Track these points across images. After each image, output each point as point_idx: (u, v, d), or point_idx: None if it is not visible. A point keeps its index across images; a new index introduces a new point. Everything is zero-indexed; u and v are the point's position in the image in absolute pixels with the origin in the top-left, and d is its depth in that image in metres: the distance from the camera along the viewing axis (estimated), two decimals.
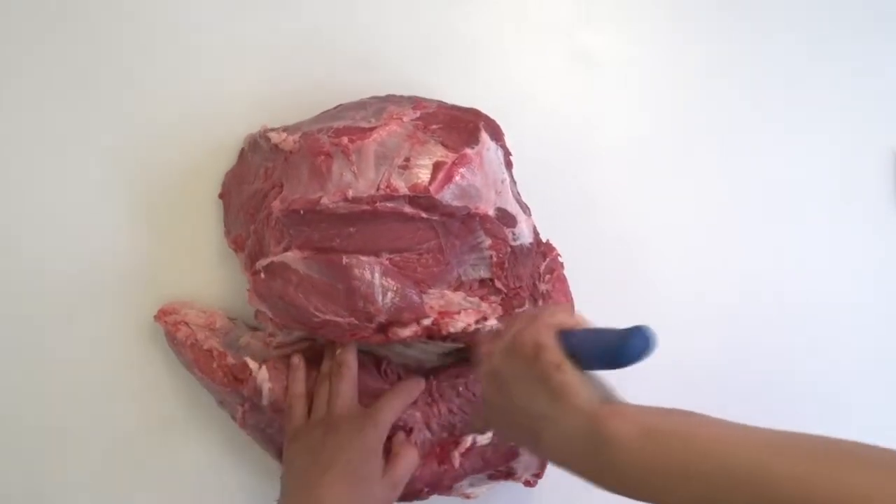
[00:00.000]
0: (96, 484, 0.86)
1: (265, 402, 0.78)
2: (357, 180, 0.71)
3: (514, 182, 0.81)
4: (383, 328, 0.74)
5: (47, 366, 0.84)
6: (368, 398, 0.78)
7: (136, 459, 0.87)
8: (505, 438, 0.82)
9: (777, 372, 1.01)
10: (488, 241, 0.75)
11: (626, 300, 0.96)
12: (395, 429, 0.78)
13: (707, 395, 0.92)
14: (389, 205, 0.71)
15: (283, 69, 0.88)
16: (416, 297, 0.73)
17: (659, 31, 0.99)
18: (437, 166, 0.71)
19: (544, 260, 0.84)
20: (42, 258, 0.84)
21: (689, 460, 0.53)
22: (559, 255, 0.87)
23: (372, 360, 0.82)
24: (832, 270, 1.04)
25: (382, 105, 0.77)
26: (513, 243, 0.77)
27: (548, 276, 0.84)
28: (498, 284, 0.77)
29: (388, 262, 0.73)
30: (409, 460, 0.77)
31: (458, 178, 0.71)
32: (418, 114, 0.75)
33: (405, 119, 0.74)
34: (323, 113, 0.81)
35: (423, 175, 0.71)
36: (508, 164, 0.80)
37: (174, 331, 0.82)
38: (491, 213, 0.74)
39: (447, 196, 0.71)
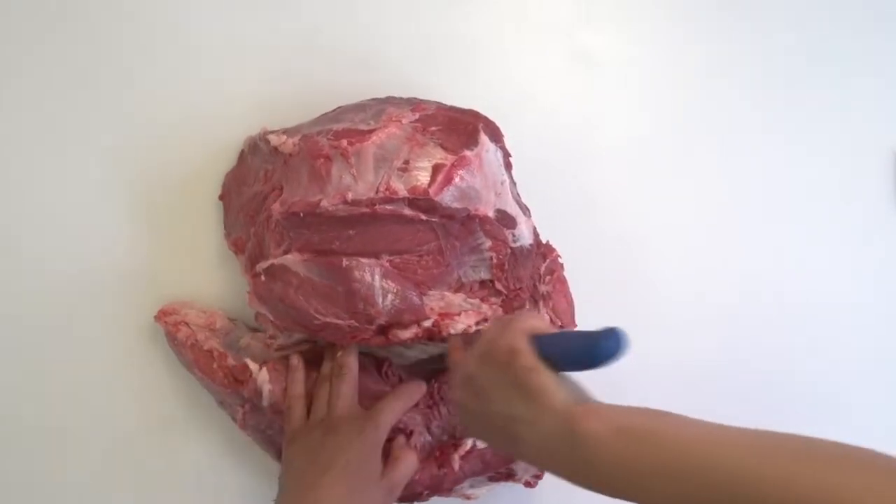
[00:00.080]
0: (96, 484, 0.86)
1: (265, 403, 0.78)
2: (356, 183, 0.71)
3: (513, 183, 0.81)
4: (384, 330, 0.74)
5: (47, 366, 0.84)
6: (369, 400, 0.78)
7: (136, 459, 0.87)
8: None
9: (777, 372, 1.01)
10: (488, 243, 0.75)
11: (626, 300, 0.96)
12: (395, 431, 0.78)
13: (707, 395, 0.93)
14: (389, 207, 0.71)
15: (282, 70, 0.88)
16: (416, 299, 0.74)
17: (659, 31, 0.99)
18: (436, 168, 0.71)
19: (544, 261, 0.84)
20: (42, 258, 0.84)
21: (662, 458, 0.54)
22: (559, 256, 0.87)
23: (373, 362, 0.82)
24: (832, 270, 1.04)
25: (381, 107, 0.77)
26: (513, 245, 0.77)
27: (548, 278, 0.84)
28: (498, 286, 0.77)
29: (388, 264, 0.73)
30: (408, 464, 0.77)
31: (457, 179, 0.71)
32: (417, 116, 0.75)
33: (404, 121, 0.74)
34: (322, 115, 0.81)
35: (423, 177, 0.71)
36: (508, 166, 0.80)
37: (174, 331, 0.82)
38: (491, 214, 0.74)
39: (447, 198, 0.71)
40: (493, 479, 0.85)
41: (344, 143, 0.72)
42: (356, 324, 0.73)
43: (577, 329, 0.79)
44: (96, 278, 0.85)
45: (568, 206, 0.94)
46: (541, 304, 0.82)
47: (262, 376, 0.78)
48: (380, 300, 0.72)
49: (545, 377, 0.62)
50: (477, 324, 0.75)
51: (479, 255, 0.76)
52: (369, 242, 0.72)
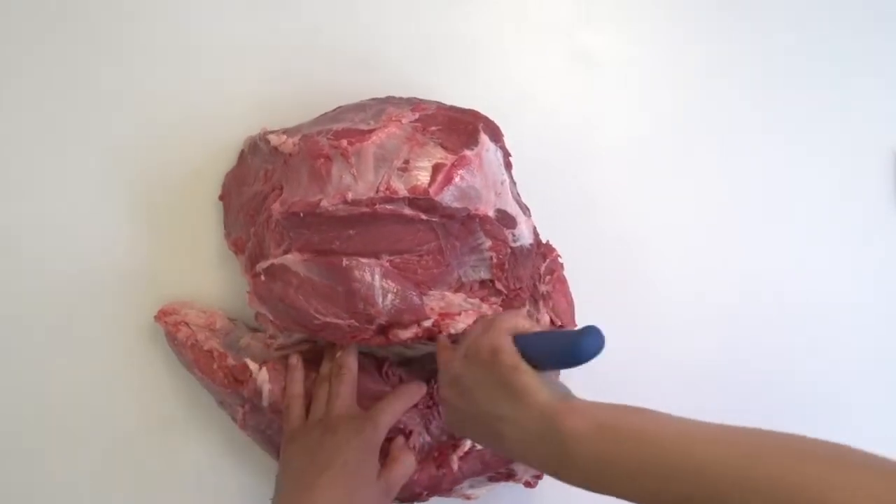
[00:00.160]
0: (96, 484, 0.86)
1: (265, 403, 0.78)
2: (356, 183, 0.71)
3: (513, 183, 0.81)
4: (384, 330, 0.74)
5: (47, 366, 0.84)
6: (369, 400, 0.78)
7: (136, 459, 0.87)
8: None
9: (777, 372, 1.01)
10: (488, 243, 0.75)
11: (626, 300, 0.96)
12: (394, 431, 0.78)
13: (707, 395, 0.93)
14: (389, 207, 0.71)
15: (282, 70, 0.88)
16: (416, 299, 0.74)
17: (659, 31, 0.99)
18: (436, 168, 0.71)
19: (544, 261, 0.84)
20: (42, 258, 0.84)
21: (642, 454, 0.55)
22: (559, 255, 0.87)
23: (373, 363, 0.82)
24: (832, 270, 1.04)
25: (381, 107, 0.77)
26: (513, 244, 0.77)
27: (548, 277, 0.84)
28: (498, 286, 0.77)
29: (388, 263, 0.73)
30: (405, 465, 0.77)
31: (457, 179, 0.71)
32: (417, 115, 0.75)
33: (404, 121, 0.74)
34: (322, 115, 0.81)
35: (423, 177, 0.71)
36: (508, 165, 0.80)
37: (174, 331, 0.82)
38: (491, 214, 0.74)
39: (447, 198, 0.71)
40: (492, 480, 0.85)
41: (344, 142, 0.72)
42: (356, 324, 0.73)
43: (559, 329, 0.79)
44: (96, 278, 0.85)
45: (568, 206, 0.94)
46: (541, 303, 0.82)
47: (262, 376, 0.78)
48: (380, 300, 0.72)
49: (527, 376, 0.63)
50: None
51: (479, 254, 0.76)
52: (369, 242, 0.72)
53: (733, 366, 0.99)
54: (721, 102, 1.00)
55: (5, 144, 0.83)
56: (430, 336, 0.75)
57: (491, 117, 0.79)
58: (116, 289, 0.85)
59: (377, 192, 0.70)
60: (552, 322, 0.82)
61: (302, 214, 0.72)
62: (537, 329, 0.67)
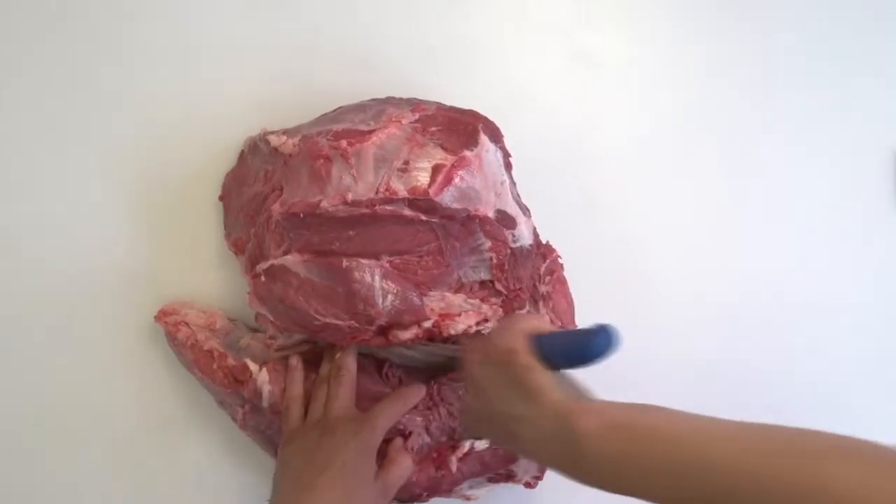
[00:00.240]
0: (96, 484, 0.86)
1: (265, 404, 0.78)
2: (356, 183, 0.71)
3: (513, 183, 0.81)
4: (384, 331, 0.74)
5: (47, 366, 0.84)
6: (368, 401, 0.78)
7: (136, 459, 0.87)
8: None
9: (777, 372, 1.01)
10: (488, 243, 0.75)
11: (626, 300, 0.96)
12: (393, 432, 0.78)
13: (707, 395, 0.93)
14: (389, 208, 0.71)
15: (282, 70, 0.88)
16: (416, 300, 0.74)
17: (659, 31, 0.99)
18: (436, 169, 0.71)
19: (544, 261, 0.84)
20: (42, 258, 0.84)
21: (656, 453, 0.55)
22: (559, 256, 0.87)
23: (373, 363, 0.82)
24: (832, 270, 1.04)
25: (381, 107, 0.77)
26: (513, 245, 0.77)
27: (548, 278, 0.84)
28: (498, 286, 0.77)
29: (388, 264, 0.73)
30: (402, 467, 0.78)
31: (457, 180, 0.71)
32: (417, 116, 0.75)
33: (404, 122, 0.74)
34: (322, 115, 0.81)
35: (423, 178, 0.71)
36: (508, 166, 0.80)
37: (175, 331, 0.82)
38: (490, 214, 0.74)
39: (447, 198, 0.71)
40: (492, 480, 0.85)
41: (344, 143, 0.72)
42: (356, 324, 0.73)
43: (573, 328, 0.79)
44: (96, 278, 0.85)
45: (568, 206, 0.94)
46: (541, 304, 0.82)
47: (262, 377, 0.78)
48: (380, 301, 0.72)
49: (542, 376, 0.63)
50: (477, 324, 0.75)
51: (479, 255, 0.76)
52: (369, 243, 0.72)
53: (733, 366, 0.99)
54: (721, 102, 1.00)
55: (5, 144, 0.83)
56: (431, 337, 0.75)
57: (491, 117, 0.79)
58: (116, 289, 0.85)
59: (377, 192, 0.70)
60: (552, 322, 0.82)
61: (302, 215, 0.72)
62: (556, 330, 0.67)
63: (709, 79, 1.00)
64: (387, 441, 0.77)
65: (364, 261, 0.72)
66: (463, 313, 0.75)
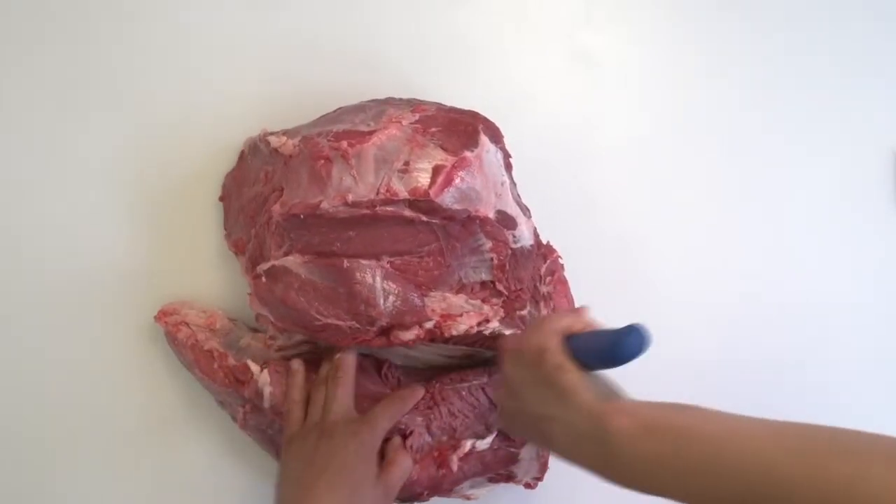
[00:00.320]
0: (96, 484, 0.86)
1: (266, 405, 0.78)
2: (357, 184, 0.71)
3: (513, 184, 0.81)
4: (385, 331, 0.74)
5: (48, 366, 0.84)
6: (368, 401, 0.78)
7: (136, 459, 0.87)
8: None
9: (777, 372, 1.01)
10: (489, 244, 0.75)
11: (626, 300, 0.96)
12: (392, 431, 0.78)
13: (707, 395, 0.92)
14: (389, 209, 0.71)
15: (282, 70, 0.88)
16: (417, 300, 0.74)
17: (659, 31, 0.99)
18: (436, 170, 0.71)
19: (545, 262, 0.84)
20: (42, 258, 0.84)
21: (690, 453, 0.55)
22: (560, 256, 0.87)
23: (373, 363, 0.82)
24: (832, 270, 1.04)
25: (381, 108, 0.77)
26: (513, 245, 0.77)
27: (549, 278, 0.84)
28: (499, 287, 0.77)
29: (389, 265, 0.73)
30: (403, 467, 0.77)
31: (457, 181, 0.71)
32: (417, 117, 0.75)
33: (404, 122, 0.74)
34: (322, 116, 0.81)
35: (423, 178, 0.71)
36: (508, 167, 0.80)
37: (175, 331, 0.82)
38: (491, 215, 0.74)
39: (447, 199, 0.71)
40: (493, 480, 0.85)
41: (344, 144, 0.72)
42: (357, 325, 0.73)
43: (606, 327, 0.78)
44: (96, 278, 0.85)
45: (568, 206, 0.94)
46: (541, 304, 0.82)
47: (264, 378, 0.78)
48: (381, 301, 0.72)
49: (573, 375, 0.62)
50: (478, 325, 0.75)
51: (479, 256, 0.76)
52: (370, 244, 0.72)
53: (733, 366, 0.99)
54: (721, 102, 1.00)
55: (5, 144, 0.83)
56: (432, 338, 0.75)
57: (491, 118, 0.79)
58: (116, 289, 0.85)
59: (377, 193, 0.70)
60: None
61: (302, 216, 0.72)
62: (590, 329, 0.67)
63: (709, 79, 1.00)
64: (385, 440, 0.77)
65: (365, 261, 0.72)
66: (464, 314, 0.75)
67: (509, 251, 0.77)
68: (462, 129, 0.75)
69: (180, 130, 0.86)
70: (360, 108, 0.79)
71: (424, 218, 0.72)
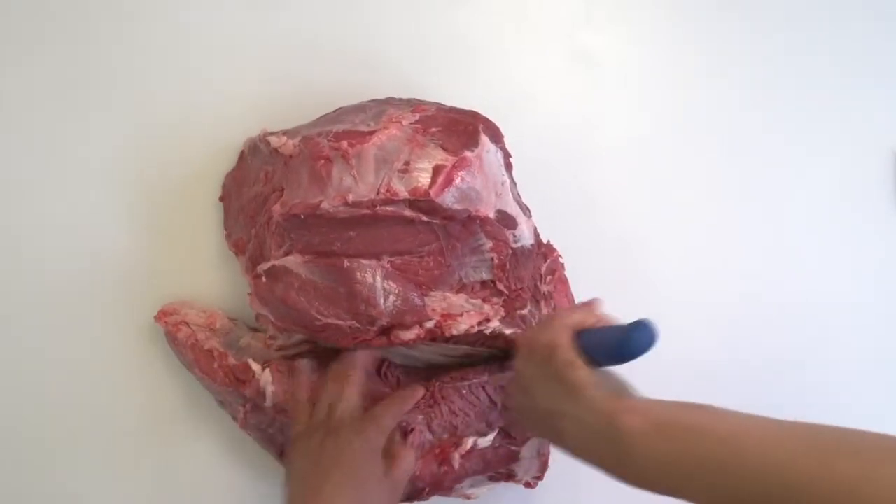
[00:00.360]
0: (96, 484, 0.86)
1: (268, 403, 0.78)
2: (357, 184, 0.71)
3: (514, 183, 0.81)
4: (385, 331, 0.74)
5: (47, 366, 0.84)
6: (368, 401, 0.78)
7: (136, 459, 0.87)
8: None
9: (777, 372, 1.01)
10: (489, 244, 0.75)
11: (626, 300, 0.95)
12: (395, 429, 0.78)
13: (707, 395, 0.92)
14: (390, 208, 0.71)
15: (282, 70, 0.88)
16: (418, 300, 0.74)
17: (659, 31, 0.99)
18: (436, 169, 0.71)
19: (545, 261, 0.84)
20: (42, 258, 0.84)
21: (702, 451, 0.55)
22: (560, 256, 0.87)
23: (373, 362, 0.82)
24: (832, 270, 1.04)
25: (382, 108, 0.77)
26: (514, 245, 0.77)
27: (549, 278, 0.84)
28: (499, 286, 0.77)
29: (389, 265, 0.73)
30: (407, 462, 0.77)
31: (458, 180, 0.71)
32: (417, 117, 0.75)
33: (404, 122, 0.74)
34: (322, 116, 0.81)
35: (423, 178, 0.71)
36: (508, 166, 0.80)
37: (175, 331, 0.82)
38: (491, 215, 0.74)
39: (447, 199, 0.71)
40: (493, 479, 0.85)
41: (344, 144, 0.72)
42: (358, 325, 0.73)
43: (616, 323, 0.78)
44: (96, 278, 0.85)
45: (568, 206, 0.94)
46: (542, 304, 0.82)
47: (265, 377, 0.78)
48: (381, 301, 0.72)
49: (584, 372, 0.62)
50: (479, 324, 0.75)
51: (480, 255, 0.76)
52: (370, 244, 0.72)
53: (733, 366, 0.99)
54: (721, 102, 1.00)
55: (5, 144, 0.83)
56: (433, 337, 0.75)
57: (491, 118, 0.79)
58: (116, 289, 0.85)
59: (378, 193, 0.70)
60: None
61: (303, 216, 0.72)
62: (602, 324, 0.67)
63: (709, 79, 1.00)
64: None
65: (365, 261, 0.72)
66: (465, 313, 0.75)
67: (510, 251, 0.77)
68: (462, 129, 0.75)
69: (180, 130, 0.86)
70: (360, 108, 0.79)
71: (425, 218, 0.72)
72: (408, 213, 0.71)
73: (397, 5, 0.91)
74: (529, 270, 0.81)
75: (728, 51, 1.01)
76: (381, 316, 0.73)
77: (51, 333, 0.84)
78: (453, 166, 0.71)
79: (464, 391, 0.81)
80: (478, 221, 0.74)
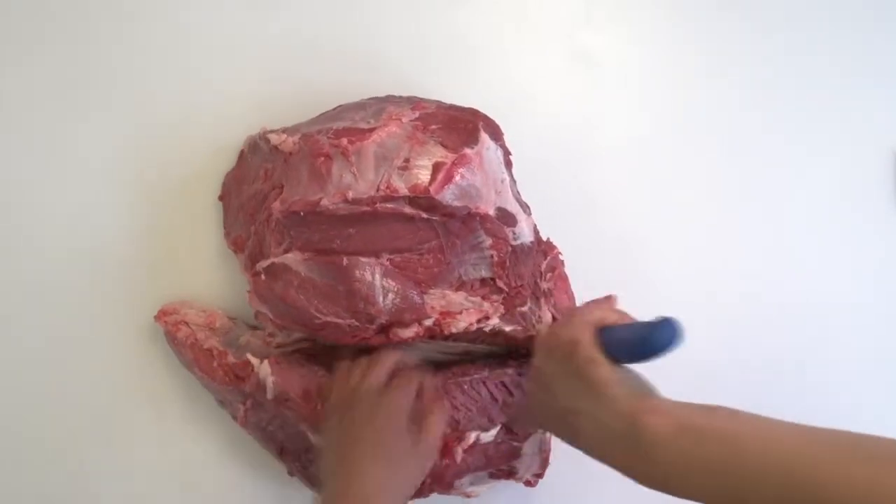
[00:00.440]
0: (96, 483, 0.86)
1: (269, 395, 0.78)
2: (357, 181, 0.71)
3: (513, 181, 0.81)
4: (384, 329, 0.74)
5: (47, 365, 0.84)
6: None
7: (136, 459, 0.87)
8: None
9: (777, 372, 1.01)
10: (489, 241, 0.75)
11: (626, 300, 0.95)
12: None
13: (707, 395, 0.92)
14: (389, 206, 0.71)
15: (282, 70, 0.88)
16: (417, 298, 0.74)
17: (659, 31, 0.99)
18: (436, 167, 0.71)
19: (545, 258, 0.84)
20: (42, 258, 0.84)
21: (725, 455, 0.54)
22: (560, 253, 0.87)
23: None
24: (832, 270, 1.04)
25: (381, 106, 0.77)
26: (513, 242, 0.77)
27: (549, 275, 0.84)
28: (499, 283, 0.77)
29: (388, 262, 0.73)
30: (440, 416, 0.74)
31: (457, 178, 0.71)
32: (417, 114, 0.75)
33: (404, 120, 0.74)
34: (322, 114, 0.81)
35: (423, 176, 0.71)
36: (508, 164, 0.80)
37: (174, 331, 0.82)
38: (491, 212, 0.74)
39: (447, 196, 0.71)
40: (493, 477, 0.85)
41: (344, 141, 0.72)
42: (357, 323, 0.73)
43: (640, 320, 0.77)
44: (96, 278, 0.85)
45: (568, 206, 0.94)
46: (542, 301, 0.82)
47: (265, 369, 0.77)
48: (380, 299, 0.72)
49: (605, 369, 0.61)
50: (478, 322, 0.75)
51: (479, 253, 0.76)
52: (370, 241, 0.72)
53: (733, 366, 0.99)
54: (721, 102, 1.00)
55: (5, 144, 0.83)
56: (432, 335, 0.75)
57: (491, 117, 0.79)
58: (116, 289, 0.85)
59: (377, 190, 0.70)
60: (554, 318, 0.82)
61: (302, 213, 0.72)
62: (625, 321, 0.66)
63: (709, 79, 1.00)
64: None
65: (364, 259, 0.72)
66: (464, 311, 0.75)
67: (509, 248, 0.77)
68: (462, 127, 0.75)
69: (180, 130, 0.86)
70: (360, 106, 0.79)
71: (424, 215, 0.72)
72: (407, 210, 0.72)
73: (397, 5, 0.91)
74: (529, 268, 0.80)
75: (728, 51, 1.01)
76: (379, 314, 0.73)
77: (51, 333, 0.84)
78: (453, 163, 0.71)
79: (465, 386, 0.81)
80: (477, 219, 0.74)
